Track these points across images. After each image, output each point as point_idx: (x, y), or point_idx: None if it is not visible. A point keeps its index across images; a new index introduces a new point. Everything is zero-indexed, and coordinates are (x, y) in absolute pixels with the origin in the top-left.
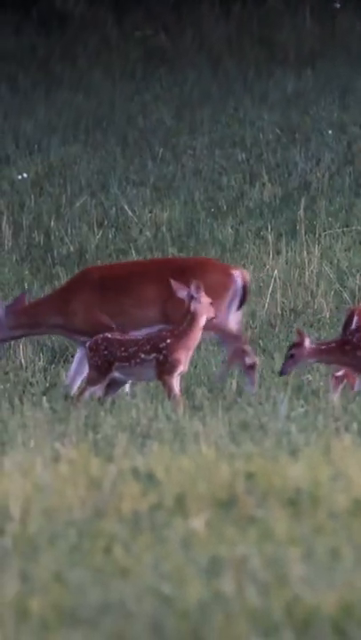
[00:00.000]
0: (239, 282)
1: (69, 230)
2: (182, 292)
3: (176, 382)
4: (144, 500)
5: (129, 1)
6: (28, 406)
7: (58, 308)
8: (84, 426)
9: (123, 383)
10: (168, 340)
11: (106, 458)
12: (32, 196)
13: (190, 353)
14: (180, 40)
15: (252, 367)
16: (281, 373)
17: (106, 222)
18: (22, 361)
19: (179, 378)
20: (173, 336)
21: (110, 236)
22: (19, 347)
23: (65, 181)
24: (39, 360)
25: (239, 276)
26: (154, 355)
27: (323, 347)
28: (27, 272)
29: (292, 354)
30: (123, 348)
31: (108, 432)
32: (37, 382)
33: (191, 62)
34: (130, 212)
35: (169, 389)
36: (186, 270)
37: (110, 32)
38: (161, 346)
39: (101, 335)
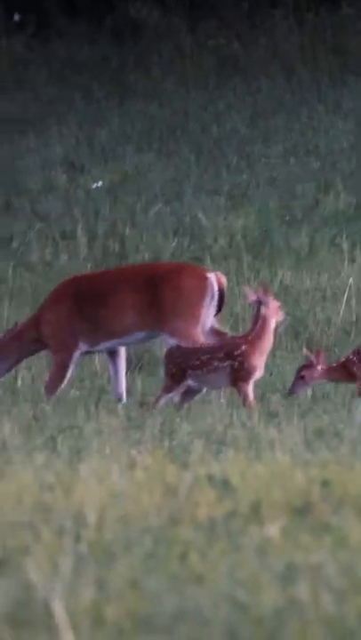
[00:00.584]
0: (215, 286)
1: (144, 238)
2: (252, 297)
3: (251, 389)
4: (219, 507)
5: (203, 10)
6: (103, 413)
7: (36, 324)
8: (160, 433)
9: (198, 391)
10: (243, 347)
11: (181, 464)
12: (107, 205)
13: (264, 358)
14: (253, 49)
15: None
16: (290, 393)
17: (180, 230)
18: (98, 368)
19: (253, 384)
20: (247, 342)
21: (185, 244)
22: (94, 355)
23: (139, 190)
24: None
25: (215, 279)
26: (228, 362)
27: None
28: None
29: (303, 375)
30: (195, 356)
31: (183, 439)
32: (113, 389)
33: (265, 71)
34: (204, 220)
35: (244, 396)
36: (162, 276)
37: (184, 41)
38: (236, 353)
39: (176, 344)
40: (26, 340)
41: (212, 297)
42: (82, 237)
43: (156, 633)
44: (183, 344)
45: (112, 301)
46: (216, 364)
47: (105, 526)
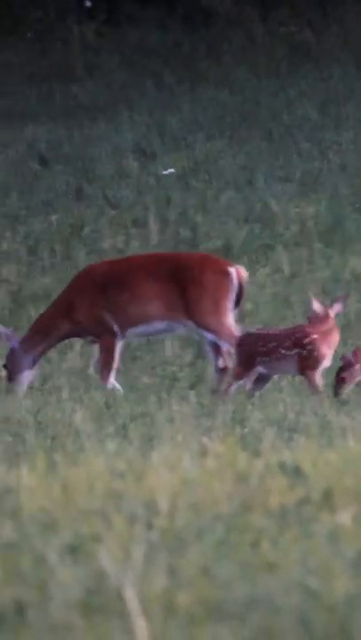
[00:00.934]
0: (235, 280)
1: (215, 225)
2: (317, 307)
3: (319, 377)
4: (291, 495)
5: None
6: (175, 400)
7: (62, 313)
8: (232, 420)
9: (269, 378)
10: (314, 336)
11: (253, 452)
12: (178, 191)
13: (333, 349)
14: (324, 36)
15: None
16: (335, 396)
17: (251, 217)
18: (169, 355)
19: (320, 373)
20: (319, 332)
21: (256, 231)
22: (166, 341)
23: (210, 177)
24: (186, 355)
25: (235, 274)
26: (296, 350)
27: None
28: None
29: (343, 377)
30: (261, 343)
31: (255, 426)
32: (184, 377)
33: (336, 58)
34: (275, 207)
35: (312, 384)
36: (184, 268)
37: (255, 29)
38: (305, 341)
39: (246, 330)
40: (53, 331)
41: (234, 290)
42: (153, 224)
43: (227, 620)
44: (222, 340)
45: (134, 288)
46: (284, 351)
47: (176, 514)
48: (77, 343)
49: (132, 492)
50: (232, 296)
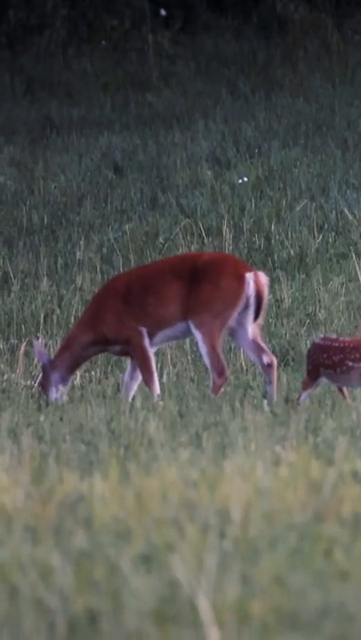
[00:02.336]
0: (251, 285)
1: (290, 234)
2: None
3: None
4: None
5: (349, 6)
6: (248, 409)
7: (89, 326)
8: (305, 429)
9: (342, 387)
10: None
11: (326, 461)
12: (252, 200)
13: None
14: None
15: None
16: None
17: (326, 226)
18: (243, 364)
19: None
20: None
21: (330, 239)
22: (239, 350)
23: (285, 185)
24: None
25: (252, 279)
26: None
27: None
28: None
29: None
30: (326, 355)
31: (328, 435)
32: (258, 385)
33: None
34: (350, 216)
35: None
36: (202, 267)
37: (330, 36)
38: None
39: (315, 340)
40: (81, 346)
41: (248, 297)
42: (227, 233)
43: (300, 629)
44: (200, 337)
45: (158, 290)
46: (350, 364)
47: (250, 523)
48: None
49: (205, 501)
50: (242, 302)
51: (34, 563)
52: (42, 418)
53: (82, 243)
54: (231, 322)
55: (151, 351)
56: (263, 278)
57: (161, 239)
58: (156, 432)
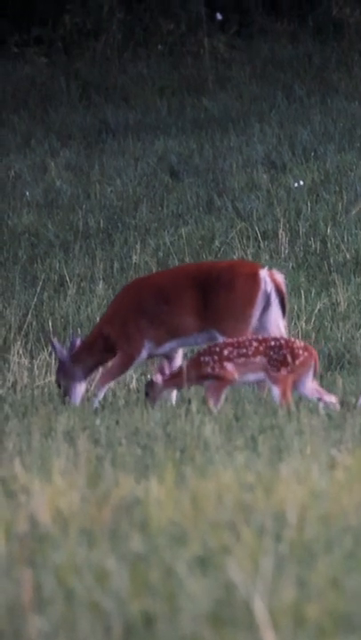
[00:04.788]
0: (268, 282)
1: (346, 237)
2: None
3: None
4: None
5: None
6: (304, 413)
7: (103, 330)
8: (360, 433)
9: None
10: None
11: None
12: (308, 204)
13: None
14: None
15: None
16: None
17: None
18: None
19: None
20: None
21: None
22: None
23: (341, 188)
24: None
25: (268, 276)
26: None
27: None
28: (303, 279)
29: None
30: None
31: None
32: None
33: None
34: None
35: None
36: (216, 276)
37: None
38: None
39: None
40: (99, 346)
41: (266, 294)
42: (283, 237)
43: (356, 632)
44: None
45: (172, 300)
46: None
47: (305, 526)
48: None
49: (261, 504)
50: (261, 301)
51: (90, 566)
52: (98, 421)
53: (138, 246)
54: (254, 321)
55: (132, 367)
56: (278, 275)
57: (217, 243)
58: (211, 435)
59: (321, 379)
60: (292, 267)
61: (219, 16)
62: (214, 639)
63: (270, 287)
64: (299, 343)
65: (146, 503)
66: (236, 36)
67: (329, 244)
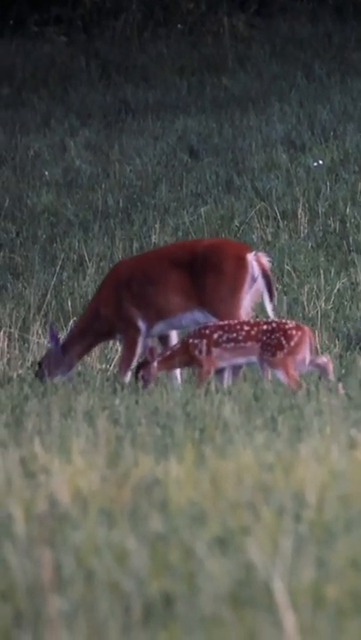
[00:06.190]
0: (255, 266)
1: None
2: None
3: None
4: None
5: None
6: (323, 393)
7: (94, 312)
8: None
9: None
10: None
11: None
12: (328, 183)
13: None
14: None
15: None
16: None
17: None
18: (318, 347)
19: None
20: None
21: None
22: (315, 333)
23: (360, 168)
24: (335, 347)
25: (255, 259)
26: None
27: None
28: (322, 259)
29: None
30: None
31: None
32: (333, 369)
33: None
34: None
35: None
36: (202, 254)
37: None
38: None
39: None
40: (89, 331)
41: (253, 278)
42: (302, 216)
43: None
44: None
45: (157, 280)
46: None
47: (325, 506)
48: None
49: (280, 484)
50: (249, 284)
51: (109, 546)
52: (117, 401)
53: (157, 226)
54: (246, 304)
55: (140, 347)
56: (264, 258)
57: (236, 222)
58: (231, 415)
59: (340, 358)
60: (312, 246)
61: None
62: (234, 619)
63: (257, 271)
64: (290, 324)
65: (165, 483)
66: (256, 14)
67: (348, 224)
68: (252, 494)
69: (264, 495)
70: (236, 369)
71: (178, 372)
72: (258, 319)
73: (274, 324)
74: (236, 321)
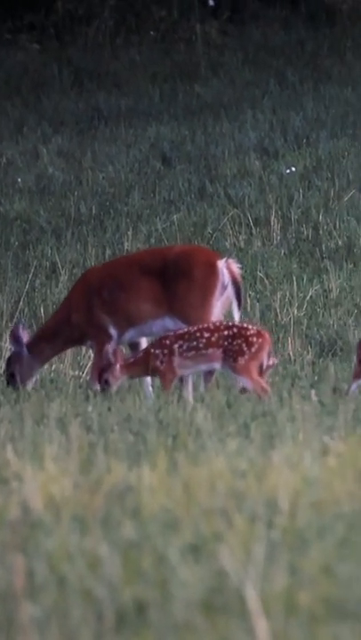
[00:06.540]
0: (226, 273)
1: (338, 224)
2: None
3: None
4: None
5: None
6: (296, 399)
7: (64, 317)
8: (353, 419)
9: None
10: None
11: None
12: (300, 190)
13: None
14: None
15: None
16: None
17: None
18: (291, 354)
19: None
20: None
21: None
22: (287, 340)
23: (333, 175)
24: (307, 353)
25: (225, 266)
26: None
27: None
28: (295, 266)
29: None
30: None
31: None
32: (306, 375)
33: None
34: None
35: None
36: (173, 261)
37: None
38: None
39: None
40: (57, 336)
41: (223, 285)
42: (275, 223)
43: (348, 619)
44: None
45: (128, 287)
46: None
47: (298, 513)
48: None
49: (253, 491)
50: (220, 291)
51: (82, 553)
52: (90, 408)
53: (130, 233)
54: (216, 311)
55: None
56: (235, 266)
57: (209, 229)
58: (204, 422)
59: (313, 365)
60: (284, 253)
61: (211, 2)
62: (206, 626)
63: (227, 279)
64: (252, 330)
65: (138, 490)
66: (229, 22)
67: (321, 231)
68: (225, 501)
69: (237, 502)
70: (208, 375)
71: (149, 379)
72: (218, 323)
73: (235, 329)
74: (195, 328)
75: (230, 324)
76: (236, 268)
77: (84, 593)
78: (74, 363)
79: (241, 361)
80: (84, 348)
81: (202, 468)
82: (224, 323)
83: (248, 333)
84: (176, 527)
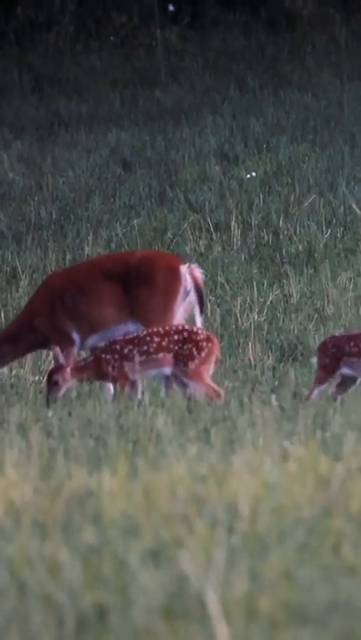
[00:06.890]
0: (188, 278)
1: (298, 229)
2: None
3: None
4: None
5: (358, 1)
6: (256, 405)
7: (26, 322)
8: (313, 424)
9: (352, 383)
10: None
11: (334, 456)
12: (261, 196)
13: None
14: None
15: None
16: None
17: (334, 221)
18: (251, 359)
19: None
20: None
21: (338, 235)
22: (247, 345)
23: (293, 180)
24: (268, 358)
25: (187, 271)
26: None
27: None
28: (255, 271)
29: None
30: (352, 343)
31: (336, 430)
32: (266, 380)
33: None
34: (358, 211)
35: None
36: (135, 266)
37: (339, 32)
38: None
39: (330, 335)
40: (19, 340)
41: (186, 290)
42: (235, 229)
43: (309, 624)
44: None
45: (90, 293)
46: None
47: (258, 518)
48: None
49: (213, 496)
50: (182, 296)
51: (42, 558)
52: (50, 413)
53: (90, 238)
54: (179, 317)
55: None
56: (197, 271)
57: (169, 234)
58: (164, 427)
59: (273, 370)
60: (245, 258)
61: (171, 7)
62: (167, 631)
63: (190, 284)
64: (202, 334)
65: (98, 495)
66: (189, 27)
67: (281, 236)
68: (185, 506)
69: (197, 507)
70: (168, 380)
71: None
72: (167, 327)
73: (185, 334)
74: (145, 332)
75: (180, 327)
76: (198, 273)
77: (45, 598)
78: (34, 368)
79: (192, 365)
80: (44, 353)
81: (162, 473)
82: (174, 327)
83: (198, 338)
84: (136, 532)
